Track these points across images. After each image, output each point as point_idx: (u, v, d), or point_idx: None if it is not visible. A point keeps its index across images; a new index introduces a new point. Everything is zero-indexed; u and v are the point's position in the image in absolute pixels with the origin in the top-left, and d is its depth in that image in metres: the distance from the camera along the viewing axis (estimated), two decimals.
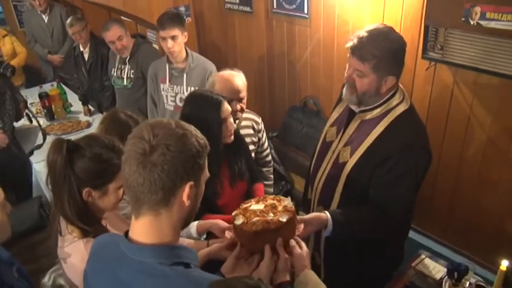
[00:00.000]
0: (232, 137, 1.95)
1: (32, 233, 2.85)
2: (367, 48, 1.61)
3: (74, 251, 1.36)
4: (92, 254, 1.12)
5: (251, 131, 2.44)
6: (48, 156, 1.37)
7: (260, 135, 2.51)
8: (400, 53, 1.67)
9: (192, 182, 0.99)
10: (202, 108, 1.87)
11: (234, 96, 2.26)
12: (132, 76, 3.45)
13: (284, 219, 1.35)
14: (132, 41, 3.45)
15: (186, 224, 1.07)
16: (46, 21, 4.83)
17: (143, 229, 1.01)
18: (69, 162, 1.35)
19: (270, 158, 2.64)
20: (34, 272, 2.17)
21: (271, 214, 1.38)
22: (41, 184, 3.26)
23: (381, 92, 1.70)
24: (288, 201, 1.47)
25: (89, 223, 1.38)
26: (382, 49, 1.60)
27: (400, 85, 1.78)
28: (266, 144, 2.59)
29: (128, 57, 3.43)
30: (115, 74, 3.55)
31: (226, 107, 1.92)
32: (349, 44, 1.67)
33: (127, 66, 3.45)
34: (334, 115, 1.99)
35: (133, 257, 0.98)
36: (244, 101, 2.35)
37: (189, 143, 0.98)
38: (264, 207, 1.43)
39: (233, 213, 1.42)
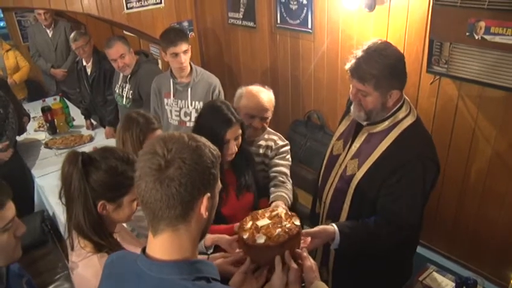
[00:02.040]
0: (233, 156, 1.93)
1: (33, 248, 2.83)
2: (365, 69, 1.63)
3: (88, 266, 1.34)
4: (106, 272, 1.09)
5: (261, 151, 2.23)
6: (63, 169, 1.35)
7: (271, 154, 2.23)
8: (398, 67, 1.67)
9: (209, 194, 0.99)
10: (212, 120, 1.87)
11: (257, 114, 2.15)
12: (130, 97, 3.39)
13: (298, 222, 1.38)
14: (135, 58, 3.36)
15: (202, 236, 1.06)
16: (50, 35, 4.87)
17: (162, 246, 0.98)
18: (85, 174, 1.34)
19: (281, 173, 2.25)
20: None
21: (286, 222, 1.39)
22: (43, 198, 3.23)
23: (388, 106, 1.71)
24: (281, 208, 1.49)
25: (103, 237, 1.36)
26: (379, 67, 1.61)
27: (406, 97, 1.79)
28: (279, 167, 2.20)
29: (129, 76, 3.36)
30: (117, 91, 3.51)
31: (235, 129, 1.87)
32: (348, 66, 1.69)
33: (127, 85, 3.39)
34: (341, 128, 2.00)
35: (152, 274, 0.96)
36: (268, 120, 2.21)
37: (204, 155, 0.97)
38: (271, 219, 1.42)
39: (245, 237, 1.38)
